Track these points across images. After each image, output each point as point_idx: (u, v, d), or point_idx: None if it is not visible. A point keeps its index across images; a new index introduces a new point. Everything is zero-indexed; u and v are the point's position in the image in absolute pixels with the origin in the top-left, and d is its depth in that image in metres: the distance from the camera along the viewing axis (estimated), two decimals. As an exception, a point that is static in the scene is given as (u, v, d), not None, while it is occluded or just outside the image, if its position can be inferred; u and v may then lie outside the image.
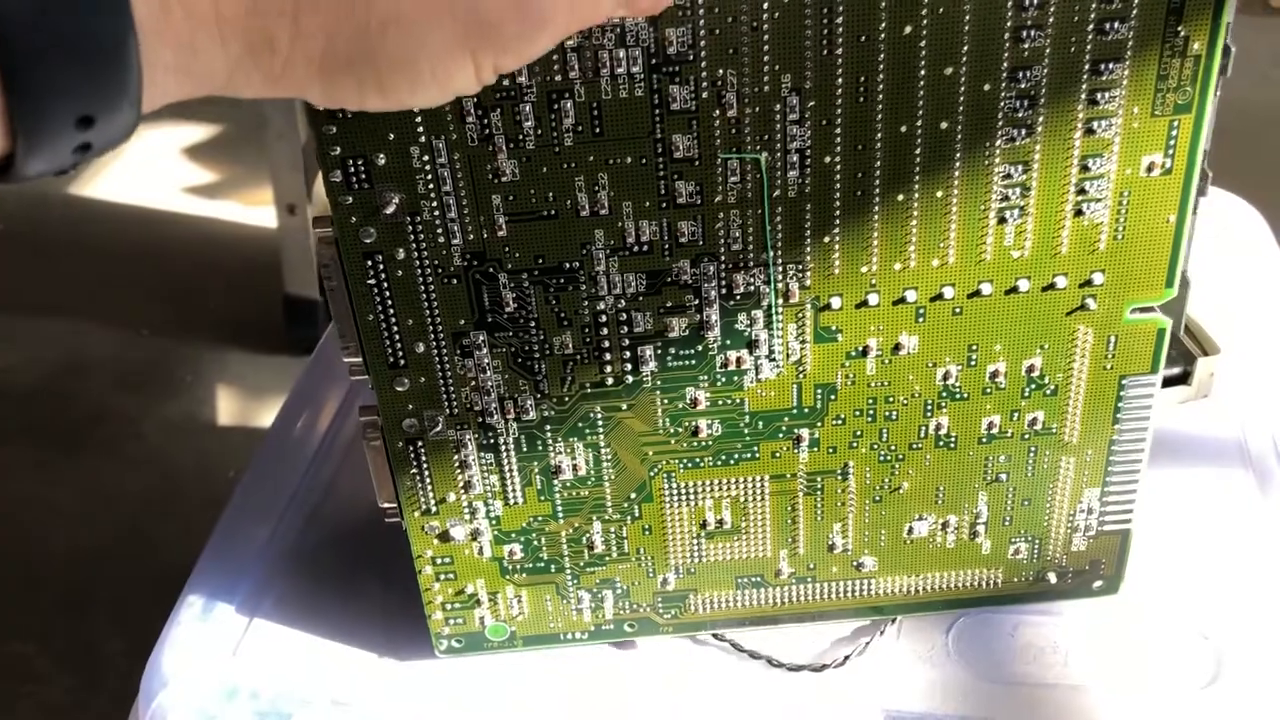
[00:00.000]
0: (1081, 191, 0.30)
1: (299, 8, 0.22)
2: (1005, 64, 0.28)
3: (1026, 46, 0.28)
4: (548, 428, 0.34)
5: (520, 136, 0.29)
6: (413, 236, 0.30)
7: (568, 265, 0.31)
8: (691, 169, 0.29)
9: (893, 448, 0.35)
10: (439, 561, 0.36)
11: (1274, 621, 0.37)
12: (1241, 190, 0.56)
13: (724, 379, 0.33)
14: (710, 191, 0.30)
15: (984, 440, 0.34)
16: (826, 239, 0.31)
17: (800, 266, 0.31)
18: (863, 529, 0.36)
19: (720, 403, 0.33)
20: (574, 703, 0.37)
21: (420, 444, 0.34)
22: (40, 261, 1.35)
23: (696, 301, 0.32)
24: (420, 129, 0.28)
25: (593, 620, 0.38)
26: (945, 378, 0.33)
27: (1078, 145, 0.29)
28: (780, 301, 0.32)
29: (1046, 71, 0.28)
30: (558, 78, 0.28)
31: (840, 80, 0.28)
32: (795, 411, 0.34)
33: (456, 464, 0.34)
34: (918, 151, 0.29)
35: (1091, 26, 0.28)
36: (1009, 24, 0.28)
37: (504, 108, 0.28)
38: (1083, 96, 0.29)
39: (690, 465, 0.35)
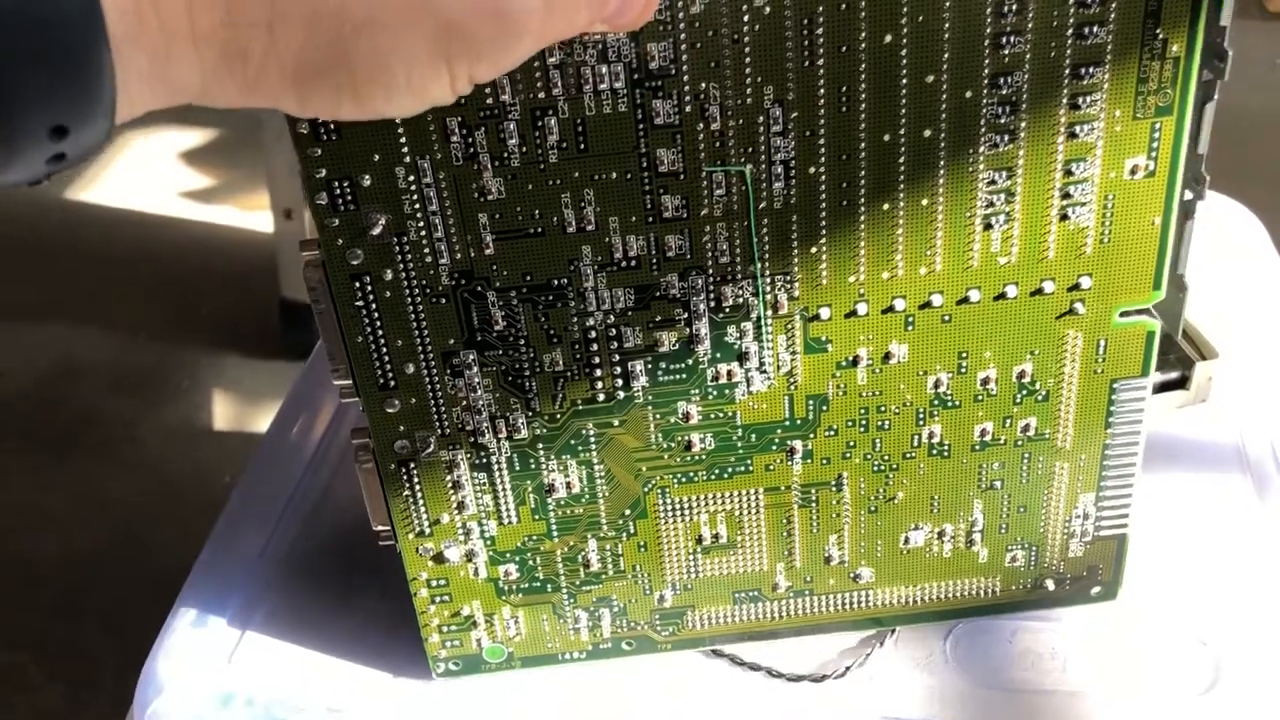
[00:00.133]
0: (1066, 196, 0.30)
1: (273, 17, 0.22)
2: (986, 71, 0.28)
3: (1007, 53, 0.28)
4: (540, 446, 0.33)
5: (505, 154, 0.29)
6: (400, 257, 0.30)
7: (556, 282, 0.31)
8: (677, 183, 0.30)
9: (886, 457, 0.34)
10: (434, 584, 0.36)
11: (1272, 627, 0.37)
12: (1239, 195, 0.56)
13: (715, 392, 0.33)
14: (696, 205, 0.30)
15: (977, 448, 0.34)
16: (814, 249, 0.31)
17: (788, 278, 0.31)
18: (859, 540, 0.36)
19: (712, 416, 0.33)
20: (574, 714, 0.37)
21: (413, 465, 0.33)
22: (36, 265, 1.35)
23: (686, 315, 0.32)
24: (405, 149, 0.29)
25: (590, 639, 0.37)
26: (936, 386, 0.33)
27: (1061, 150, 0.30)
28: (769, 313, 0.32)
29: (1027, 77, 0.29)
30: (541, 95, 0.28)
31: (822, 91, 0.28)
32: (788, 423, 0.34)
33: (449, 485, 0.34)
34: (902, 160, 0.29)
35: (1070, 31, 0.28)
36: (989, 31, 0.28)
37: (488, 126, 0.28)
38: (1064, 101, 0.29)
39: (684, 480, 0.34)
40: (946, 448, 0.34)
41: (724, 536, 0.36)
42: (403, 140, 0.28)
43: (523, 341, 0.32)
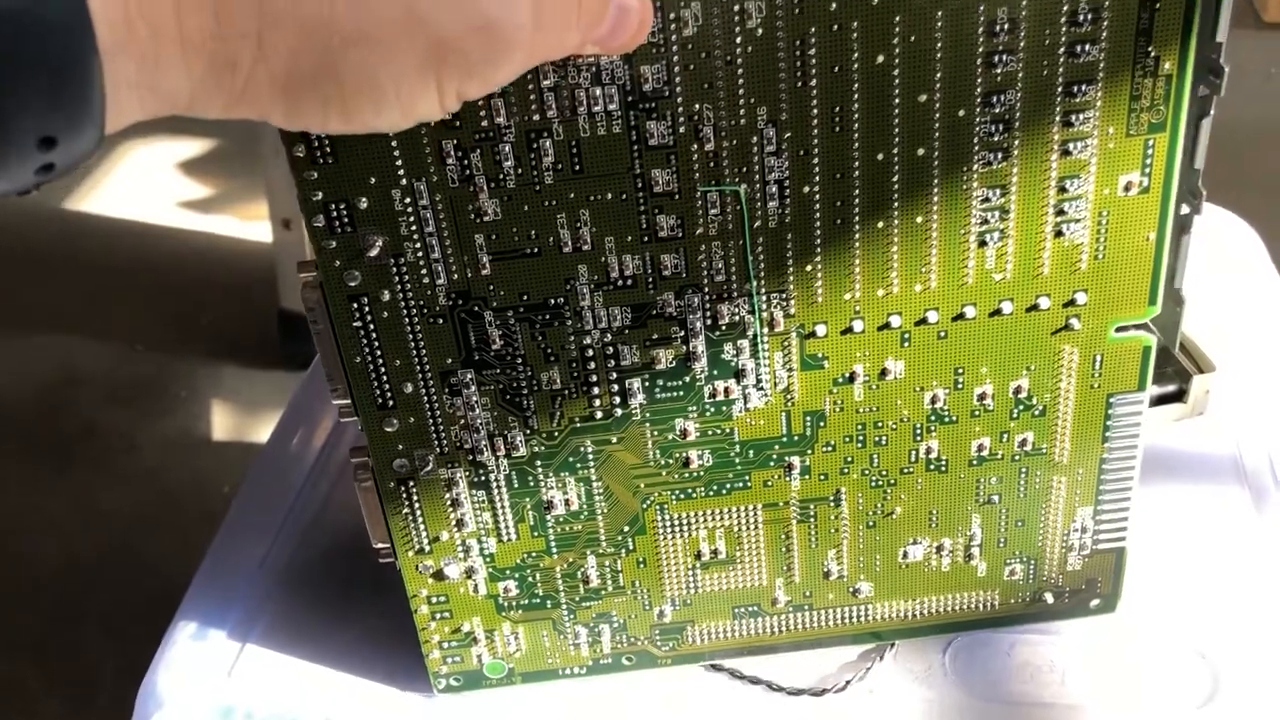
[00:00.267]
0: (1060, 212, 0.30)
1: (263, 26, 0.22)
2: (979, 89, 0.28)
3: (999, 71, 0.28)
4: (538, 463, 0.34)
5: (501, 176, 0.29)
6: (397, 278, 0.30)
7: (552, 301, 0.31)
8: (672, 202, 0.30)
9: (884, 473, 0.35)
10: (434, 600, 0.36)
11: (1270, 639, 0.37)
12: (1235, 205, 0.56)
13: (713, 409, 0.33)
14: (691, 224, 0.30)
15: (974, 462, 0.34)
16: (809, 267, 0.31)
17: (784, 295, 0.31)
18: (857, 555, 0.36)
19: (710, 433, 0.33)
20: (574, 733, 0.37)
21: (411, 483, 0.34)
22: (34, 276, 1.36)
23: (682, 333, 0.32)
24: (401, 172, 0.29)
25: (590, 655, 0.38)
26: (933, 401, 0.33)
27: (1054, 167, 0.30)
28: (765, 330, 0.32)
29: (1020, 95, 0.29)
30: (535, 117, 0.28)
31: (816, 111, 0.28)
32: (785, 439, 0.34)
33: (448, 502, 0.34)
34: (895, 179, 0.29)
35: (1063, 50, 0.28)
36: (981, 50, 0.28)
37: (484, 148, 0.29)
38: (1057, 119, 0.29)
39: (682, 496, 0.35)
40: (944, 463, 0.34)
41: (723, 552, 0.36)
42: (399, 163, 0.29)
43: (520, 360, 0.32)
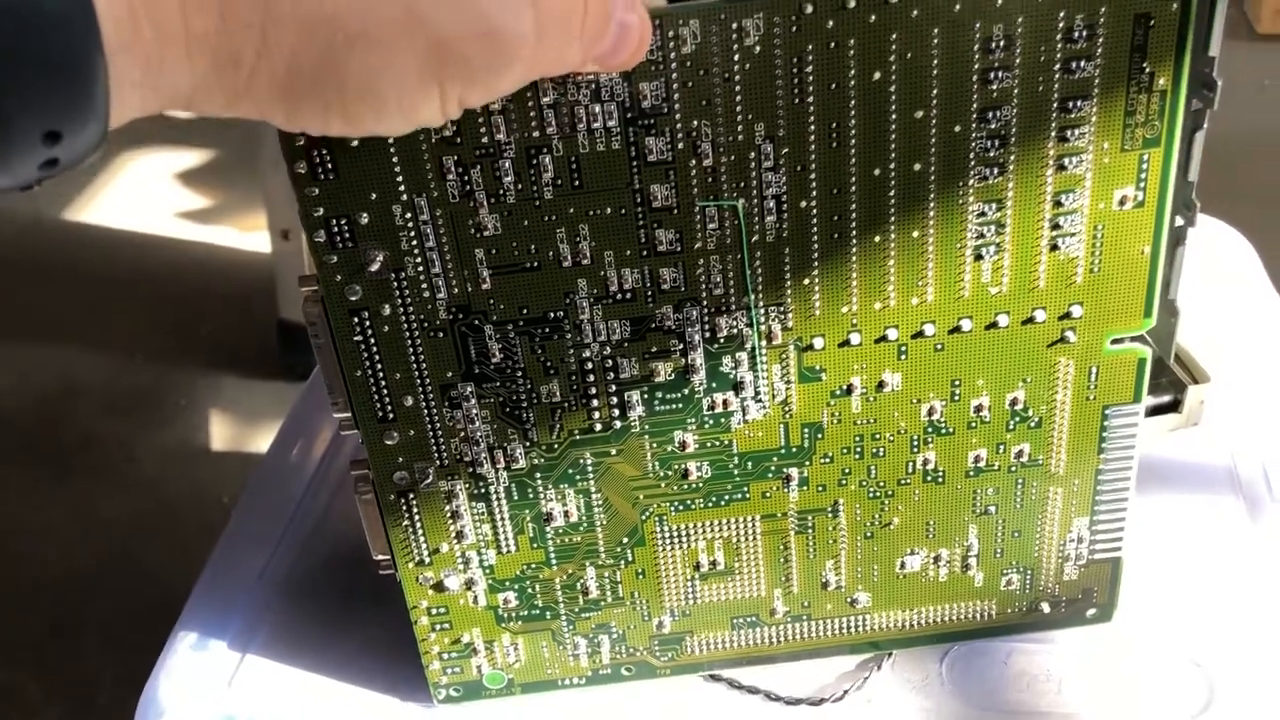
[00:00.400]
0: (1056, 226, 0.31)
1: (266, 21, 0.22)
2: (975, 105, 0.29)
3: (995, 88, 0.29)
4: (538, 475, 0.34)
5: (501, 191, 0.29)
6: (398, 292, 0.30)
7: (552, 315, 0.31)
8: (670, 217, 0.30)
9: (881, 484, 0.35)
10: (434, 612, 0.36)
11: (1265, 649, 0.38)
12: (1229, 216, 0.56)
13: (711, 421, 0.33)
14: (690, 238, 0.30)
15: (971, 474, 0.35)
16: (806, 281, 0.31)
17: (782, 308, 0.31)
18: (855, 565, 0.36)
19: (709, 445, 0.34)
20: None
21: (411, 496, 0.34)
22: (33, 286, 1.36)
23: (681, 346, 0.32)
24: (402, 187, 0.29)
25: (590, 665, 0.38)
26: (930, 413, 0.33)
27: (1050, 181, 0.30)
28: (763, 343, 0.32)
29: (1016, 111, 0.29)
30: (535, 134, 0.28)
31: (813, 127, 0.29)
32: (783, 451, 0.34)
33: (448, 514, 0.34)
34: (892, 193, 0.30)
35: (1058, 66, 0.28)
36: (977, 67, 0.28)
37: (484, 164, 0.29)
38: (1053, 134, 0.29)
39: (681, 508, 0.35)
40: (941, 474, 0.35)
41: (721, 563, 0.36)
42: (399, 178, 0.29)
43: (520, 373, 0.32)
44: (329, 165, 0.28)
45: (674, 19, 0.27)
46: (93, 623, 0.94)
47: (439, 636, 0.37)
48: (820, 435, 0.34)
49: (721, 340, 0.32)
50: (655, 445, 0.34)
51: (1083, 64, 0.28)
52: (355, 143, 0.28)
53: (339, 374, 0.32)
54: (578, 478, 0.34)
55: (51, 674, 0.90)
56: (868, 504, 0.35)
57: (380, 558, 0.35)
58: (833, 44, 0.28)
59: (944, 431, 0.34)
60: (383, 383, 0.32)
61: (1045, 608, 0.38)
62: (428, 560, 0.35)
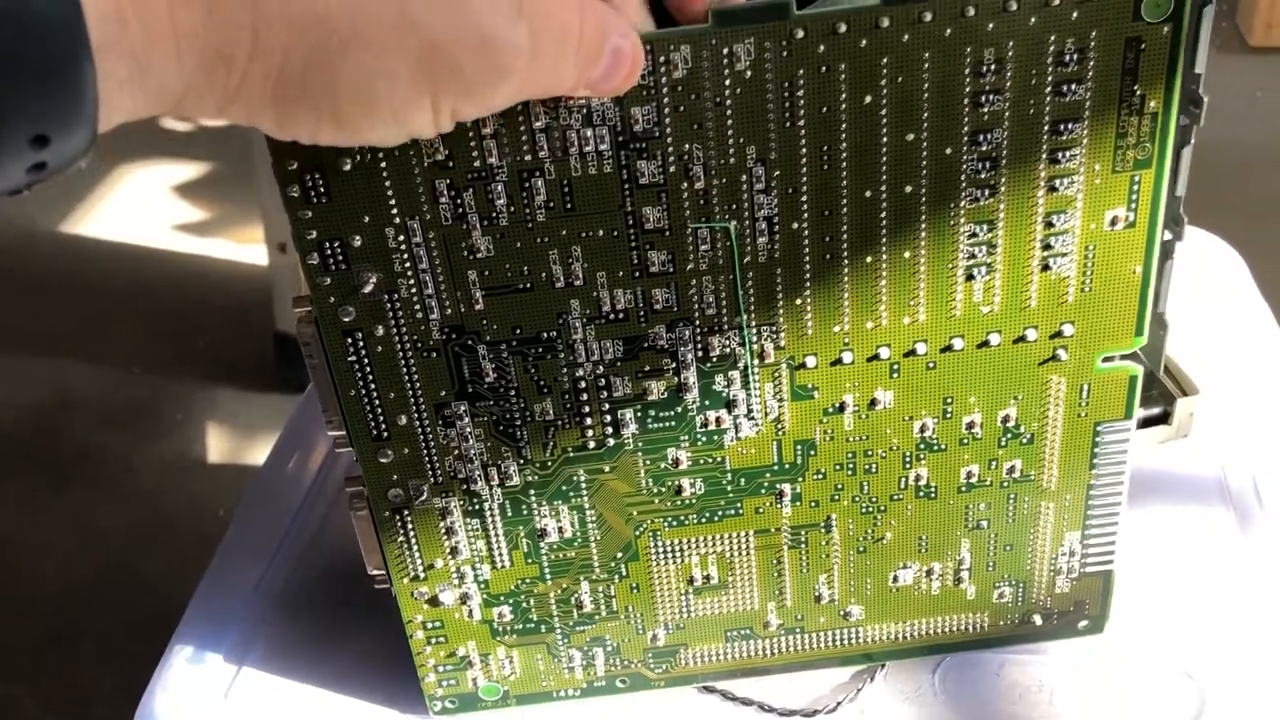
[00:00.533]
0: (1047, 247, 0.31)
1: (257, 21, 0.22)
2: (966, 128, 0.29)
3: (986, 110, 0.29)
4: (532, 492, 0.34)
5: (493, 214, 0.29)
6: (391, 313, 0.30)
7: (545, 335, 0.31)
8: (663, 239, 0.30)
9: (874, 499, 0.35)
10: (430, 625, 0.36)
11: (1256, 659, 0.38)
12: (1220, 228, 0.57)
13: (704, 438, 0.33)
14: (682, 260, 0.30)
15: (963, 489, 0.35)
16: (798, 301, 0.31)
17: (774, 328, 0.31)
18: (848, 579, 0.37)
19: (702, 461, 0.34)
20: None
21: (406, 512, 0.34)
22: (30, 299, 1.36)
23: (674, 365, 0.32)
24: (395, 210, 0.29)
25: (584, 677, 0.38)
26: (922, 430, 0.34)
27: (1041, 203, 0.30)
28: (756, 362, 0.32)
29: (1007, 134, 0.29)
30: (528, 157, 0.28)
31: (804, 150, 0.29)
32: (776, 468, 0.34)
33: (443, 530, 0.34)
34: (883, 215, 0.30)
35: (1049, 89, 0.29)
36: (968, 90, 0.28)
37: (476, 187, 0.29)
38: (1044, 156, 0.29)
39: (675, 524, 0.35)
40: (933, 489, 0.35)
41: (715, 577, 0.36)
42: (392, 201, 0.29)
43: (513, 392, 0.32)
44: (322, 189, 0.28)
45: (665, 44, 0.27)
46: (89, 634, 0.94)
47: (434, 650, 0.37)
48: (813, 452, 0.34)
49: (714, 359, 0.32)
50: (649, 462, 0.34)
51: (1074, 87, 0.28)
52: (348, 166, 0.28)
53: (333, 393, 0.32)
54: (572, 494, 0.34)
55: (48, 685, 0.90)
56: (860, 519, 0.35)
57: (375, 572, 0.35)
58: (824, 68, 0.28)
59: (936, 448, 0.34)
60: (377, 402, 0.32)
61: (1037, 620, 0.38)
62: (422, 575, 0.35)
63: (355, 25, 0.22)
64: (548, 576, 0.36)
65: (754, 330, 0.31)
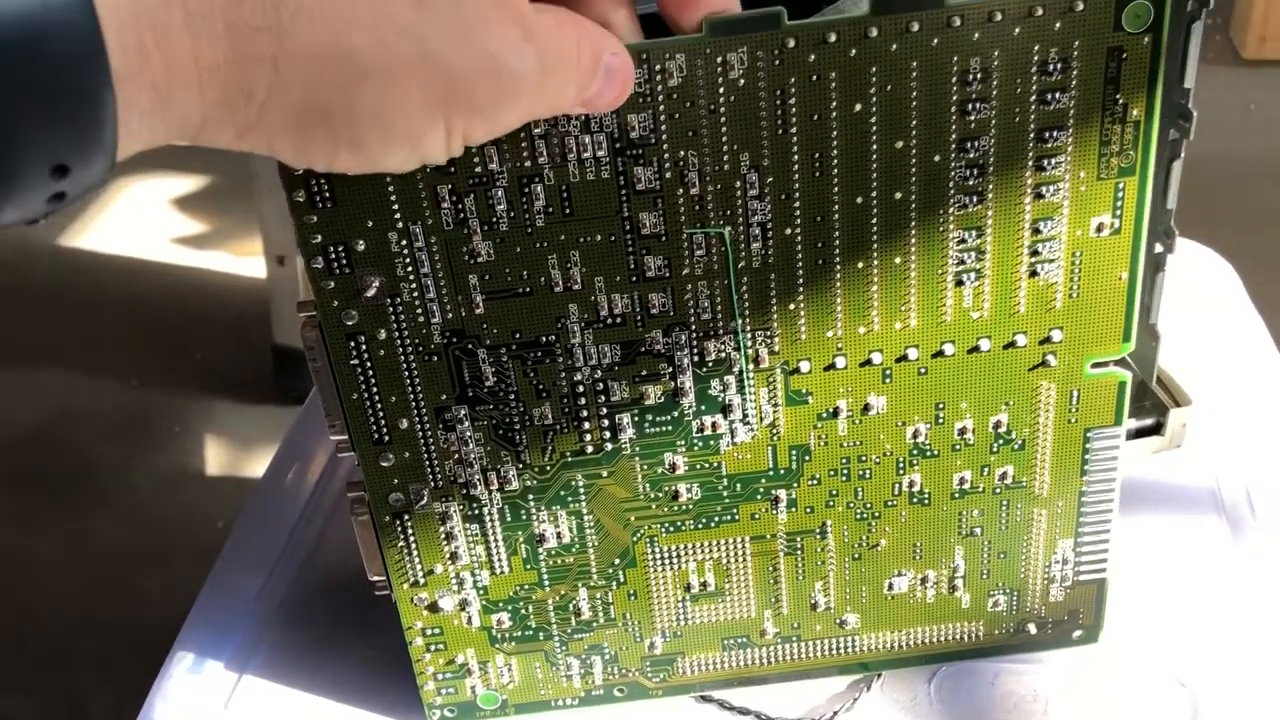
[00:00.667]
0: (1035, 253, 0.31)
1: (280, 55, 0.22)
2: (953, 136, 0.30)
3: (973, 118, 0.29)
4: (531, 497, 0.34)
5: (494, 219, 0.30)
6: (393, 317, 0.31)
7: (544, 339, 0.32)
8: (659, 244, 0.31)
9: (868, 505, 0.35)
10: (429, 632, 0.37)
11: (1248, 667, 0.38)
12: (1212, 241, 0.57)
13: (701, 443, 0.34)
14: (678, 265, 0.31)
15: (956, 495, 0.35)
16: (792, 306, 0.32)
17: (768, 333, 0.32)
18: (844, 587, 0.37)
19: (698, 467, 0.34)
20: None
21: (406, 517, 0.34)
22: (28, 312, 1.36)
23: (670, 369, 0.33)
24: (398, 215, 0.30)
25: (583, 686, 0.38)
26: (915, 436, 0.34)
27: (1028, 210, 0.31)
28: (751, 367, 0.33)
29: (993, 141, 0.30)
30: (527, 163, 0.29)
31: (796, 157, 0.30)
32: (771, 473, 0.35)
33: (442, 535, 0.35)
34: (874, 221, 0.31)
35: (1034, 98, 0.29)
36: (954, 98, 0.29)
37: (477, 193, 0.30)
38: (1030, 163, 0.30)
39: (672, 529, 0.35)
40: (927, 496, 0.35)
41: (712, 584, 0.36)
42: (395, 206, 0.30)
43: (513, 396, 0.33)
44: (327, 194, 0.29)
45: (661, 53, 0.28)
46: (87, 648, 0.94)
47: (434, 657, 0.37)
48: (808, 457, 0.34)
49: (710, 364, 0.33)
50: (646, 467, 0.34)
51: (1058, 95, 0.29)
52: (352, 172, 0.29)
53: (336, 397, 0.32)
54: (570, 499, 0.34)
55: (46, 698, 0.90)
56: (855, 525, 0.36)
57: (376, 579, 0.36)
58: (814, 77, 0.29)
59: (929, 454, 0.34)
60: (378, 406, 0.32)
61: (1032, 629, 0.38)
62: (422, 581, 0.36)
63: (377, 58, 0.22)
64: (546, 583, 0.36)
65: (749, 335, 0.32)
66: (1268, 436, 0.47)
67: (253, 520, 0.47)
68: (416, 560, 0.35)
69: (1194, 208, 0.37)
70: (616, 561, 0.36)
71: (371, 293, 0.31)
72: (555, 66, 0.25)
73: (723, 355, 0.32)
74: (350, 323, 0.31)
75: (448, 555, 0.35)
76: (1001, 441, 0.34)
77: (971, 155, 0.30)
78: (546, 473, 0.34)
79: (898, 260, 0.31)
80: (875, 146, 0.30)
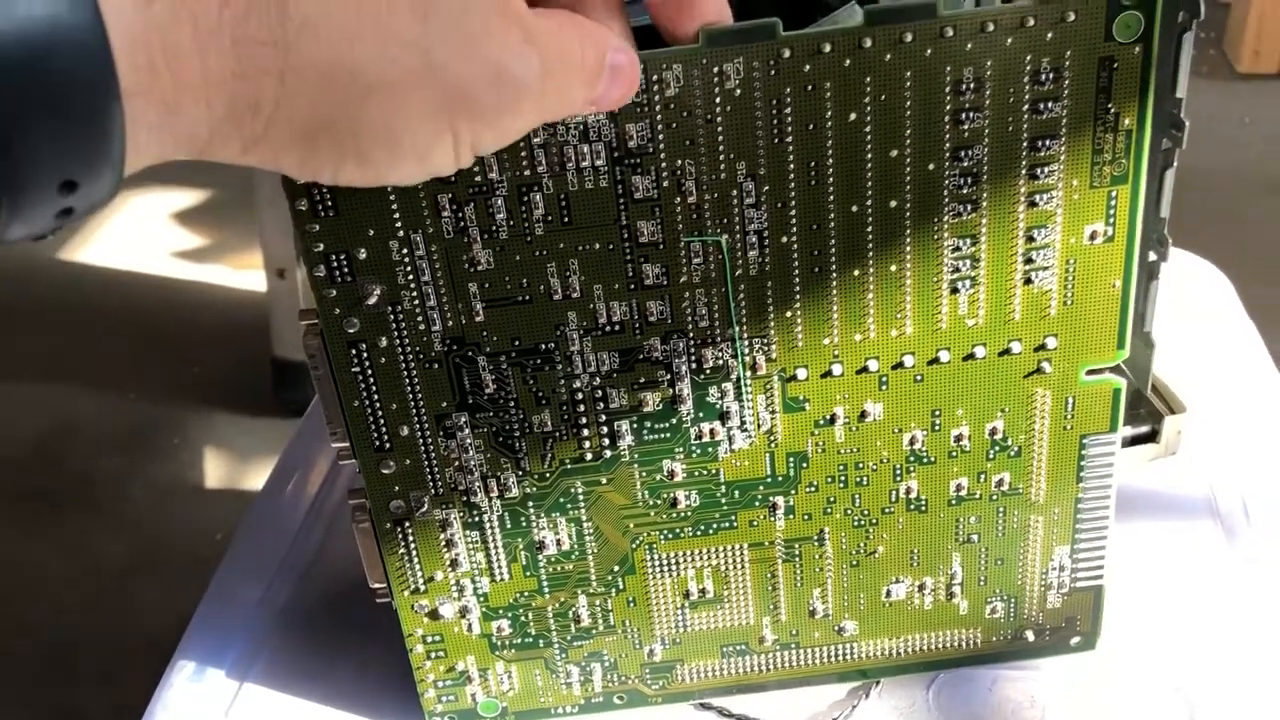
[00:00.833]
0: (1029, 261, 0.32)
1: (286, 68, 0.22)
2: (947, 144, 0.30)
3: (966, 127, 0.30)
4: (530, 504, 0.35)
5: (494, 228, 0.30)
6: (394, 325, 0.31)
7: (543, 346, 0.32)
8: (657, 252, 0.31)
9: (866, 512, 0.36)
10: (429, 639, 0.37)
11: (1243, 673, 0.38)
12: (1207, 252, 0.58)
13: (699, 450, 0.34)
14: (675, 273, 0.31)
15: (953, 502, 0.36)
16: (788, 313, 0.32)
17: (765, 340, 0.32)
18: (842, 593, 0.37)
19: (696, 474, 0.35)
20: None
21: (407, 524, 0.35)
22: (28, 325, 1.37)
23: (668, 377, 0.33)
24: (399, 224, 0.30)
25: (582, 693, 0.38)
26: (911, 443, 0.34)
27: (1022, 218, 0.31)
28: (748, 374, 0.33)
29: (987, 150, 0.30)
30: (526, 172, 0.30)
31: (792, 166, 0.30)
32: (769, 480, 0.35)
33: (443, 543, 0.35)
34: (869, 229, 0.31)
35: (1027, 107, 0.30)
36: (948, 107, 0.30)
37: (477, 202, 0.30)
38: (1023, 172, 0.30)
39: (671, 536, 0.36)
40: (924, 502, 0.36)
41: (710, 591, 0.37)
42: (396, 215, 0.30)
43: (512, 403, 0.33)
44: (329, 203, 0.30)
45: (658, 63, 0.28)
46: (86, 660, 0.94)
47: (434, 665, 0.37)
48: (805, 464, 0.35)
49: (708, 371, 0.33)
50: (644, 474, 0.34)
51: (1050, 105, 0.30)
52: (354, 181, 0.29)
53: (337, 404, 0.32)
54: (569, 506, 0.35)
55: (46, 710, 0.90)
56: (853, 532, 0.36)
57: (377, 586, 0.36)
58: (810, 86, 0.29)
59: (926, 461, 0.35)
60: (379, 413, 0.33)
61: (1029, 636, 0.38)
62: (423, 588, 0.36)
63: (382, 72, 0.23)
64: (546, 590, 0.36)
65: (746, 342, 0.32)
66: (1262, 444, 0.47)
67: (254, 528, 0.47)
68: (417, 567, 0.35)
69: (1190, 220, 0.37)
70: (616, 568, 0.36)
71: (373, 301, 0.31)
72: (559, 69, 0.25)
73: (720, 362, 0.33)
74: (352, 330, 0.31)
75: (448, 562, 0.35)
76: (998, 448, 0.35)
77: (965, 164, 0.30)
78: (546, 480, 0.34)
79: (893, 268, 0.31)
80: (870, 155, 0.30)
